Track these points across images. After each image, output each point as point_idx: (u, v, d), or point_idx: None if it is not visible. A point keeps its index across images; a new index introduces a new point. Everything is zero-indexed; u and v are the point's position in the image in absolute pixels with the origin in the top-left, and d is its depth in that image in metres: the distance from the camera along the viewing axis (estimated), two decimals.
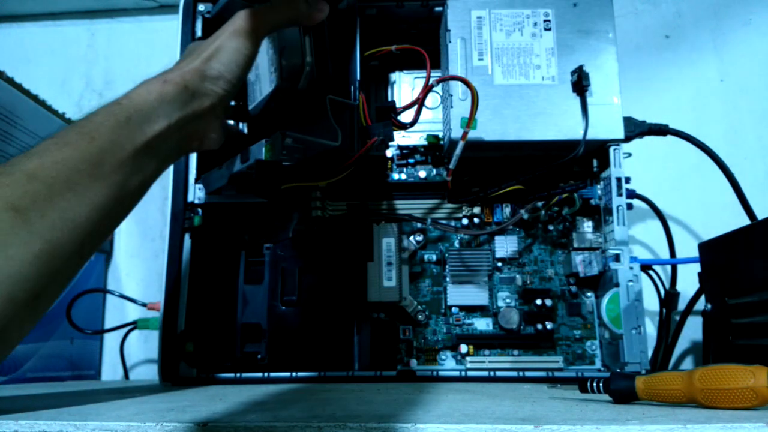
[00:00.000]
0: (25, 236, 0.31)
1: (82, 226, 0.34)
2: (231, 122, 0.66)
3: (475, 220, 0.67)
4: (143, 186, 0.40)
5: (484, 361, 0.64)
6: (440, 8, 0.64)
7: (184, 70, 0.43)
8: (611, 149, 0.61)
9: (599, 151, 0.62)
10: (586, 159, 0.64)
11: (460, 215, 0.67)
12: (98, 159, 0.35)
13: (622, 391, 0.40)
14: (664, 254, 0.74)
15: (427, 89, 0.60)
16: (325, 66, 0.53)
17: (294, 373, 0.63)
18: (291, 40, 0.53)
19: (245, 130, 0.67)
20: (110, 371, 0.84)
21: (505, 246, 0.67)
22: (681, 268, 0.71)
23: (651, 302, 0.69)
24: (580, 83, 0.59)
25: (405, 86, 0.71)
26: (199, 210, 0.64)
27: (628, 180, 0.61)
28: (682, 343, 0.76)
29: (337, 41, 0.59)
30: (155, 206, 0.86)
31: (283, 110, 0.55)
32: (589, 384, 0.42)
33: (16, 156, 0.34)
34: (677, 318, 0.69)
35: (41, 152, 0.34)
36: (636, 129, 0.62)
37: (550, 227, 0.67)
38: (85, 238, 0.35)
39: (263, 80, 0.56)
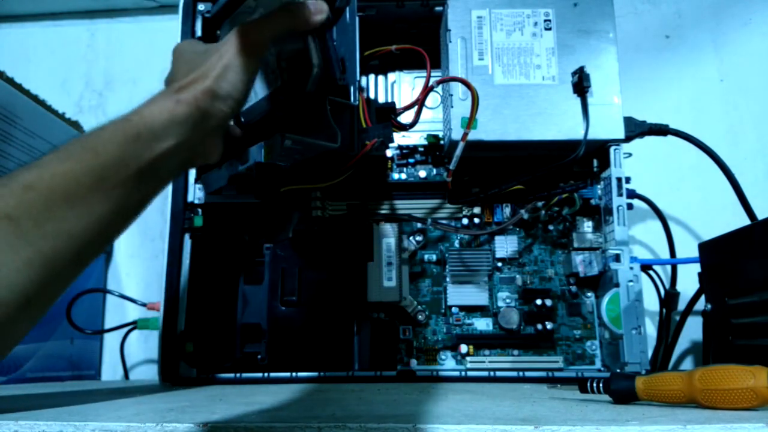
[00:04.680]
0: (15, 244, 0.32)
1: (79, 237, 0.34)
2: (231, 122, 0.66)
3: (475, 220, 0.67)
4: (144, 201, 0.40)
5: (484, 361, 0.64)
6: (440, 8, 0.64)
7: (198, 91, 0.42)
8: (611, 149, 0.61)
9: (599, 151, 0.62)
10: (587, 159, 0.64)
11: (461, 215, 0.67)
12: (101, 174, 0.35)
13: (622, 391, 0.40)
14: (664, 254, 0.74)
15: (428, 90, 0.60)
16: (331, 68, 0.53)
17: (294, 373, 0.63)
18: (291, 42, 0.53)
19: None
20: (110, 371, 0.84)
21: (505, 246, 0.67)
22: (681, 268, 0.71)
23: (651, 302, 0.69)
24: (581, 84, 0.59)
25: (405, 86, 0.71)
26: (199, 210, 0.64)
27: (628, 180, 0.61)
28: (682, 343, 0.76)
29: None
30: (155, 206, 0.84)
31: (287, 113, 0.55)
32: (589, 384, 0.42)
33: (18, 168, 0.35)
34: (677, 318, 0.69)
35: (42, 164, 0.35)
36: (636, 129, 0.62)
37: (550, 227, 0.67)
38: (83, 248, 0.35)
39: (257, 83, 0.55)
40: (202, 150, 0.45)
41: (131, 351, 0.82)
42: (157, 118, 0.39)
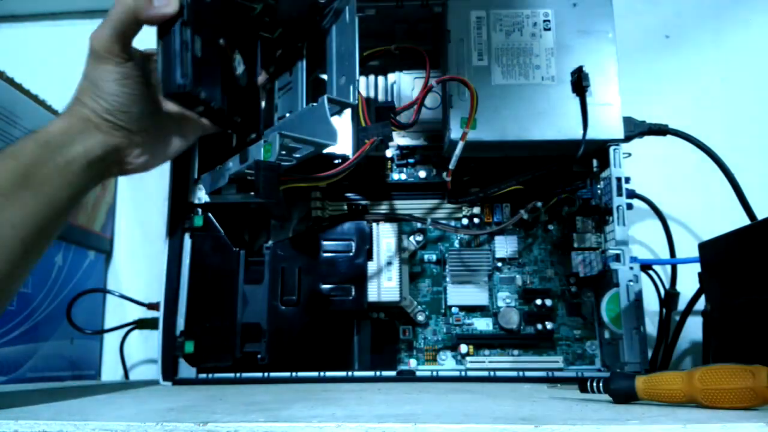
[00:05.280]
0: None
1: (19, 226, 0.40)
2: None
3: (475, 220, 0.67)
4: (73, 198, 0.45)
5: (484, 361, 0.64)
6: (440, 8, 0.64)
7: (86, 106, 0.46)
8: (611, 149, 0.61)
9: (599, 151, 0.62)
10: (586, 159, 0.64)
11: (460, 215, 0.67)
12: (23, 173, 0.42)
13: (622, 390, 0.40)
14: (664, 254, 0.74)
15: (427, 89, 0.60)
16: (170, 72, 0.46)
17: (294, 373, 0.63)
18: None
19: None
20: (110, 371, 0.84)
21: (505, 246, 0.67)
22: (681, 268, 0.71)
23: (651, 302, 0.69)
24: (580, 84, 0.59)
25: (405, 86, 0.71)
26: (199, 210, 0.64)
27: (628, 180, 0.61)
28: (682, 343, 0.75)
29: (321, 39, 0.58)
30: (155, 206, 0.85)
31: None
32: (589, 384, 0.42)
33: None
34: (677, 318, 0.69)
35: None
36: (636, 129, 0.62)
37: (550, 227, 0.67)
38: (27, 236, 0.41)
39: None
40: (119, 159, 0.48)
41: (131, 351, 0.82)
42: (61, 129, 0.45)
